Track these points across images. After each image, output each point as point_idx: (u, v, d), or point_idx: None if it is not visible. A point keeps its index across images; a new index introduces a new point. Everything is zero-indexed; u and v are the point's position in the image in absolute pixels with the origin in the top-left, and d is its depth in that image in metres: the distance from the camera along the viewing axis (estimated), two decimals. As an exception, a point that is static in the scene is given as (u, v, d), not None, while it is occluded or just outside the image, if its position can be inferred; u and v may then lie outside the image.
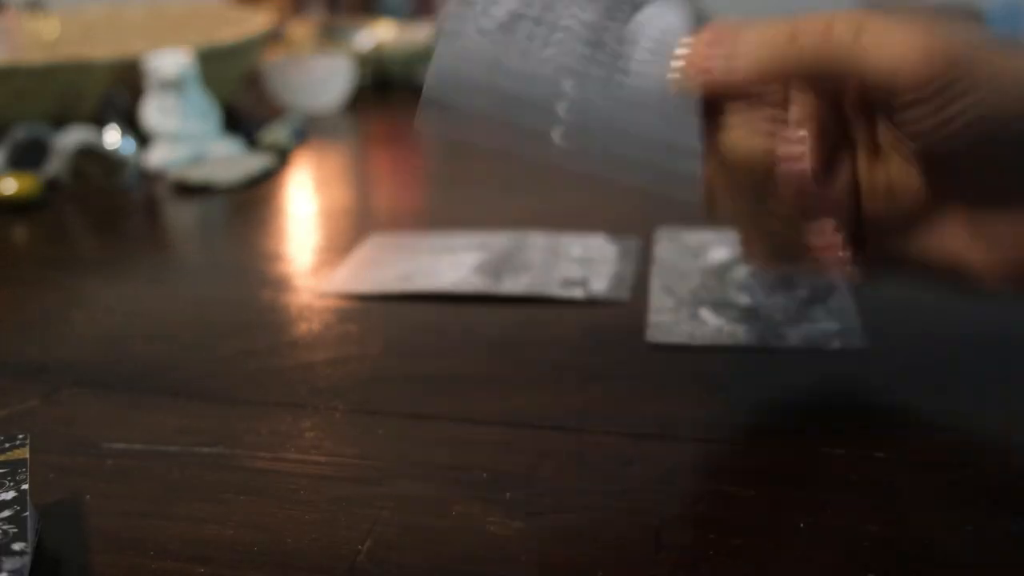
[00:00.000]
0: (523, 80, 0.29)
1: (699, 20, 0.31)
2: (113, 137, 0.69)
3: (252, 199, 0.65)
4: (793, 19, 0.28)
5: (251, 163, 0.70)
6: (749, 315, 0.41)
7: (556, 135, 0.29)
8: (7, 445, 0.30)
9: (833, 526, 0.28)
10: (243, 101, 0.96)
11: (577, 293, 0.45)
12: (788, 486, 0.30)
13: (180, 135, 0.71)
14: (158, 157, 0.70)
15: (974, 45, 0.27)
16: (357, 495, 0.31)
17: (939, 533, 0.28)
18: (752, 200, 0.31)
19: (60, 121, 0.73)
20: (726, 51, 0.29)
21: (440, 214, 0.60)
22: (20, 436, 0.31)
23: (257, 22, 0.92)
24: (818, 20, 0.28)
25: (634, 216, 0.56)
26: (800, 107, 0.29)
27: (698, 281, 0.45)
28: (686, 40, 0.30)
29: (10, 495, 0.28)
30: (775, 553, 0.27)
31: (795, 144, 0.29)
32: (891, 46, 0.27)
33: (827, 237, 0.30)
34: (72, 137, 0.66)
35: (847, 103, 0.30)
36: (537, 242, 0.52)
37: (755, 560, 0.27)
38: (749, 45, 0.29)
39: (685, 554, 0.27)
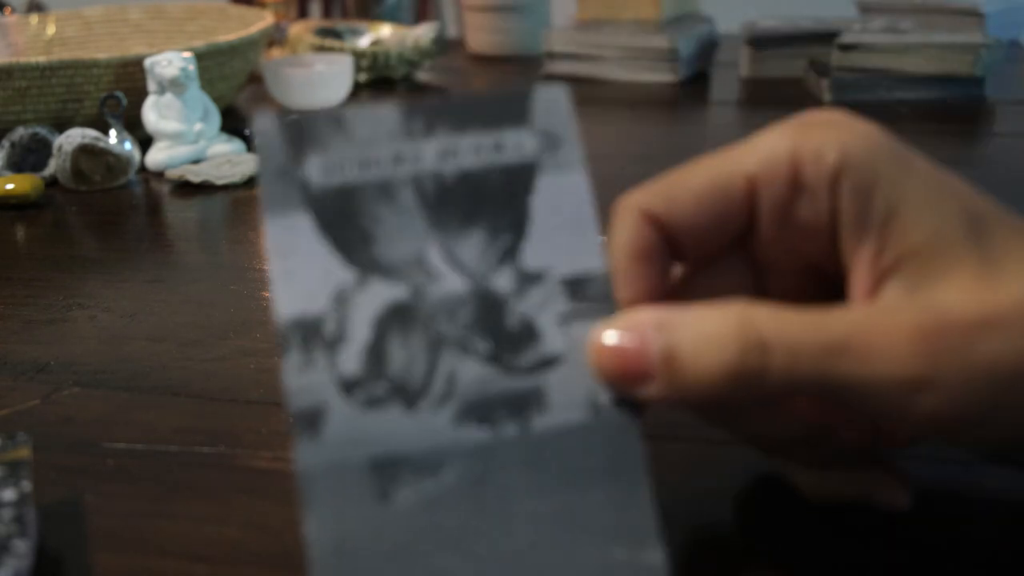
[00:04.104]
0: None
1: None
2: (113, 137, 0.69)
3: (252, 199, 0.65)
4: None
5: (251, 163, 0.70)
6: None
7: None
8: (8, 445, 0.30)
9: (833, 526, 0.28)
10: (243, 101, 0.96)
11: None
12: (789, 486, 0.30)
13: (180, 135, 0.71)
14: (158, 157, 0.70)
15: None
16: (357, 495, 0.31)
17: (938, 537, 0.28)
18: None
19: (60, 121, 0.74)
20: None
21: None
22: (21, 436, 0.31)
23: (257, 22, 0.92)
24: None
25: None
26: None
27: None
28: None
29: (11, 495, 0.28)
30: (776, 553, 0.27)
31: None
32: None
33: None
34: (72, 137, 0.66)
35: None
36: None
37: (756, 560, 0.27)
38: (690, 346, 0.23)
39: (685, 554, 0.27)
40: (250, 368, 0.40)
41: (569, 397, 0.25)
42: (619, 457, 0.24)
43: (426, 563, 0.23)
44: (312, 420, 0.24)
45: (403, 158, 0.26)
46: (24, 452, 0.30)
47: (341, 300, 0.25)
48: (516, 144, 0.26)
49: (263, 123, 0.25)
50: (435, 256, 0.25)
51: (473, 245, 0.25)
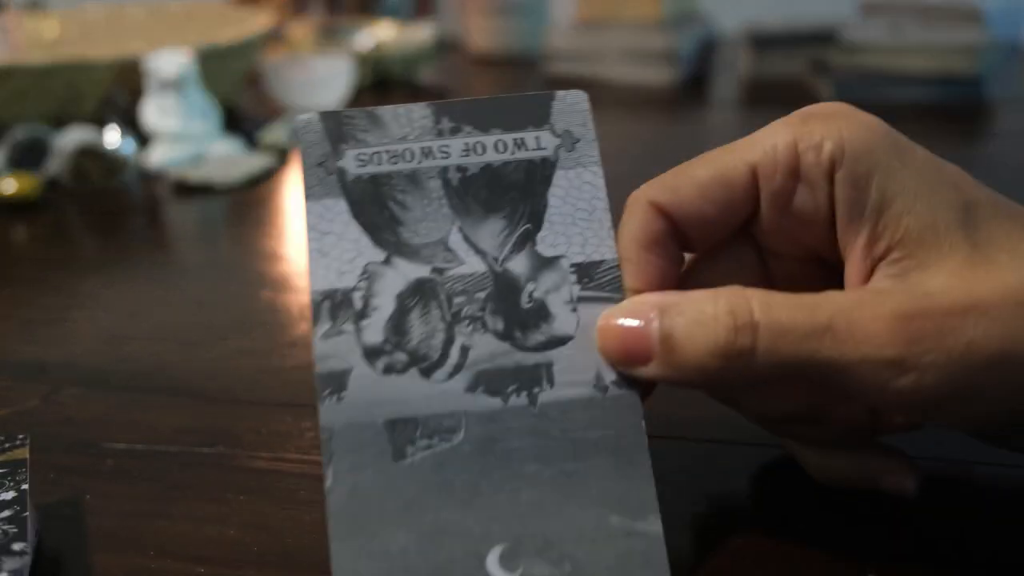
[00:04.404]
0: None
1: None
2: (113, 137, 0.69)
3: (252, 199, 0.65)
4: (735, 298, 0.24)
5: (251, 163, 0.70)
6: None
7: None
8: (7, 445, 0.30)
9: (833, 526, 0.28)
10: (243, 101, 0.96)
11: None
12: (790, 486, 0.30)
13: (180, 135, 0.71)
14: (158, 157, 0.70)
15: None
16: (357, 495, 0.31)
17: (938, 532, 0.28)
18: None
19: (60, 121, 0.73)
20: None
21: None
22: (20, 436, 0.31)
23: (257, 22, 0.92)
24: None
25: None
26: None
27: None
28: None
29: (10, 495, 0.28)
30: (777, 553, 0.27)
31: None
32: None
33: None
34: (72, 137, 0.66)
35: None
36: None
37: (756, 560, 0.27)
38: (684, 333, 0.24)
39: (684, 554, 0.27)
40: (250, 368, 0.40)
41: (576, 374, 0.26)
42: (621, 432, 0.26)
43: (434, 516, 0.25)
44: (336, 383, 0.26)
45: (431, 152, 0.28)
46: (23, 452, 0.30)
47: (369, 276, 0.27)
48: (537, 142, 0.28)
49: (306, 118, 0.28)
50: (457, 240, 0.27)
51: (493, 231, 0.27)
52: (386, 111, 0.28)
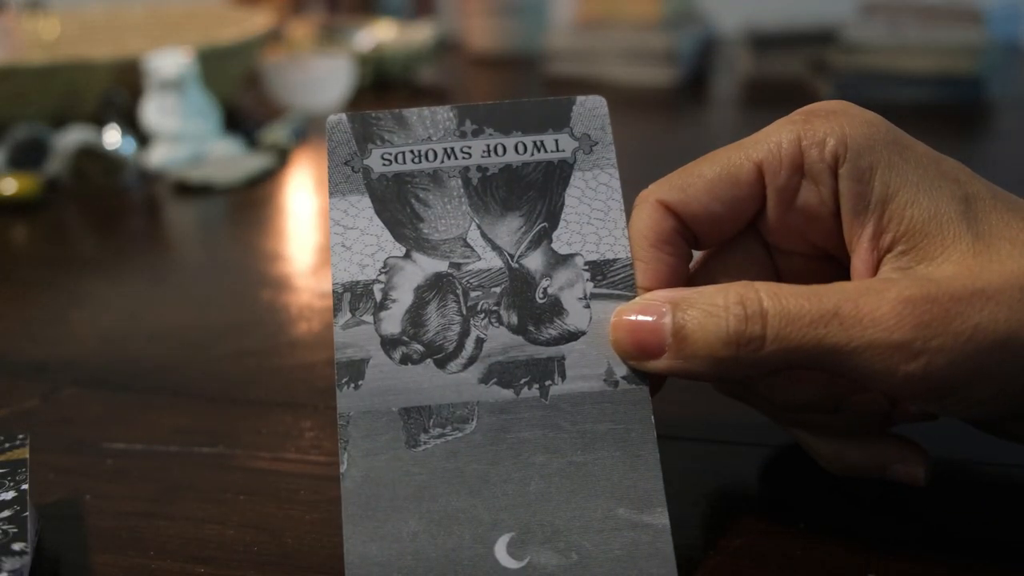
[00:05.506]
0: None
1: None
2: (113, 137, 0.69)
3: (252, 199, 0.64)
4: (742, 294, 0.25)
5: (251, 163, 0.70)
6: None
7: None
8: (7, 445, 0.30)
9: (833, 527, 0.28)
10: (243, 101, 0.96)
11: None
12: (789, 487, 0.30)
13: (180, 135, 0.71)
14: (158, 157, 0.70)
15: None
16: (357, 495, 0.31)
17: (945, 531, 0.28)
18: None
19: (60, 121, 0.73)
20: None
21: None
22: (20, 436, 0.31)
23: (257, 22, 0.91)
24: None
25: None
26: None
27: None
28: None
29: (10, 495, 0.28)
30: (776, 553, 0.27)
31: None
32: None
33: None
34: (72, 137, 0.66)
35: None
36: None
37: (756, 560, 0.27)
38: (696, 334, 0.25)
39: (685, 555, 0.27)
40: (250, 368, 0.40)
41: (587, 368, 0.27)
42: (630, 426, 0.26)
43: (445, 503, 0.26)
44: (354, 372, 0.27)
45: (454, 153, 0.29)
46: (23, 452, 0.30)
47: (389, 270, 0.28)
48: (556, 144, 0.29)
49: (335, 119, 0.29)
50: (475, 237, 0.28)
51: (510, 229, 0.28)
52: (412, 113, 0.29)
